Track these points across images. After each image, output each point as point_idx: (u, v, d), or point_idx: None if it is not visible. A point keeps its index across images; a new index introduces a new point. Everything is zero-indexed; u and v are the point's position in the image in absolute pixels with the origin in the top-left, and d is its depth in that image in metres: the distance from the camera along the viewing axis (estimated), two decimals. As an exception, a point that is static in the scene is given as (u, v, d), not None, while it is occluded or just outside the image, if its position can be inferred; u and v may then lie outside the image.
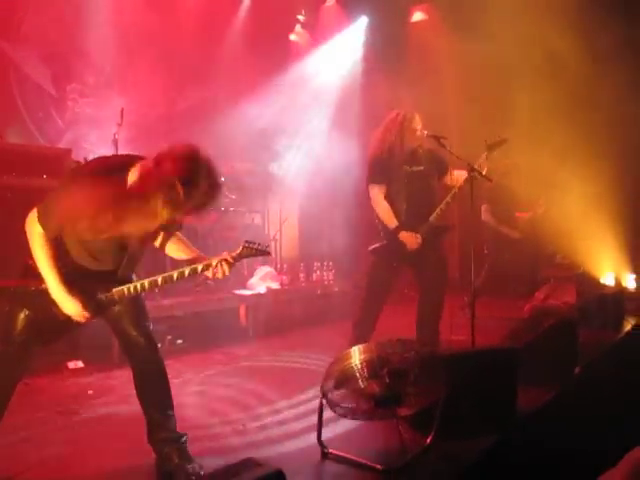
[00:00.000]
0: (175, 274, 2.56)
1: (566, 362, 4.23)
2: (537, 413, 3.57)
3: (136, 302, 2.71)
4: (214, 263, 2.58)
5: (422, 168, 4.40)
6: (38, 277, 2.49)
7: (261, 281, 6.01)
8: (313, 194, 7.46)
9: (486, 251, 6.69)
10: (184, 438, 2.75)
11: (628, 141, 6.70)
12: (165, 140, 2.76)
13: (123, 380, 4.19)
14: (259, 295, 5.87)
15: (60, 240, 2.52)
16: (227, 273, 2.58)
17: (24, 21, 6.08)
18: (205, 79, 7.01)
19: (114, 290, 2.57)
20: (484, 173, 4.21)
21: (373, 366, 2.64)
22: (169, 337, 5.12)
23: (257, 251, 2.64)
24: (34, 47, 6.19)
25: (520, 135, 6.96)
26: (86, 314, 2.52)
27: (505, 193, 6.48)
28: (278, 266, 6.71)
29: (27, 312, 2.52)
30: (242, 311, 5.81)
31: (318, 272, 6.70)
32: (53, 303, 2.50)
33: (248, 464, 1.80)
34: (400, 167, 4.32)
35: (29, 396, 3.74)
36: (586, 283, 6.58)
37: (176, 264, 2.73)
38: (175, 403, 2.80)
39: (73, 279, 2.50)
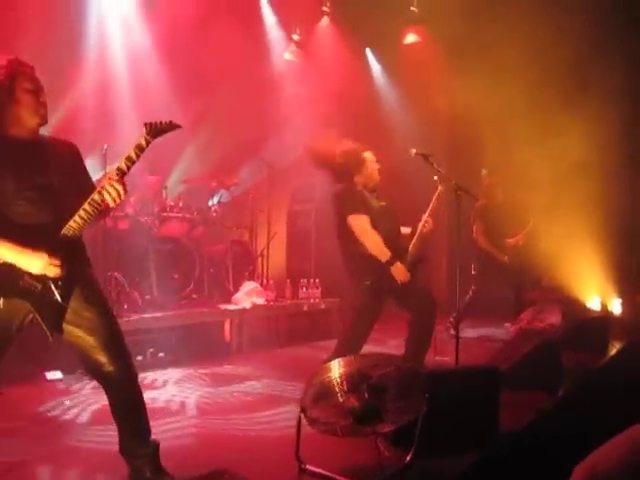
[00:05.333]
0: (83, 210, 2.44)
1: (550, 384, 4.22)
2: (519, 433, 3.55)
3: (108, 328, 2.57)
4: (132, 154, 2.47)
5: (386, 204, 4.35)
6: None
7: (246, 296, 5.97)
8: (302, 210, 7.45)
9: (474, 272, 6.69)
10: (156, 448, 2.67)
11: (610, 163, 6.80)
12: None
13: (101, 391, 4.14)
14: (244, 310, 5.83)
15: None
16: (117, 192, 2.45)
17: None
18: (198, 92, 7.00)
19: (68, 224, 2.45)
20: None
21: (352, 380, 2.60)
22: (151, 350, 5.06)
23: (164, 127, 2.51)
24: None
25: (511, 159, 7.07)
26: (54, 261, 2.39)
27: (497, 215, 6.53)
28: (264, 282, 6.67)
29: None
30: (226, 326, 5.76)
31: (304, 289, 6.66)
32: (17, 274, 2.38)
33: (216, 475, 1.76)
34: (370, 201, 4.22)
35: (4, 405, 3.67)
36: (572, 306, 6.59)
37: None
38: (150, 413, 2.74)
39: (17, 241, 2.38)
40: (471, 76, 7.00)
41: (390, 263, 4.08)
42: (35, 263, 2.39)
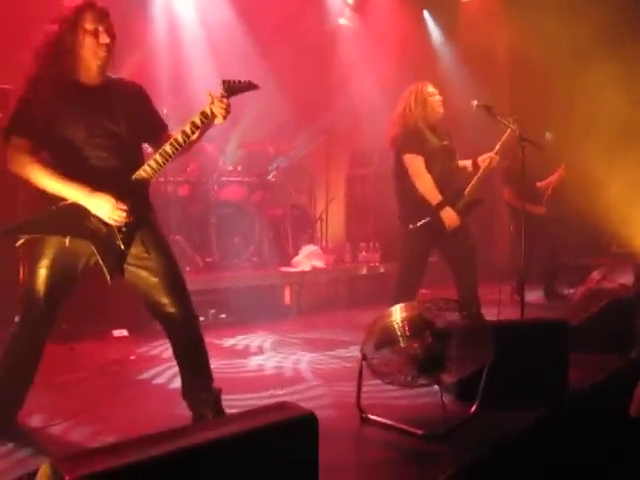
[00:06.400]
0: (179, 136, 2.50)
1: (621, 345, 4.03)
2: (588, 392, 3.41)
3: (169, 270, 2.60)
4: (207, 109, 2.52)
5: (448, 142, 4.25)
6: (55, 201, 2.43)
7: (306, 259, 5.97)
8: (360, 174, 7.36)
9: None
10: (218, 394, 2.70)
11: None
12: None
13: (165, 349, 4.23)
14: (303, 273, 5.83)
15: (54, 157, 2.52)
16: (226, 107, 2.52)
17: None
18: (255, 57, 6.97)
19: (138, 172, 2.51)
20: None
21: (415, 325, 2.54)
22: (212, 311, 5.13)
23: (242, 85, 2.59)
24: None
25: (575, 115, 6.76)
26: (122, 205, 2.43)
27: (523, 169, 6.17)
28: (323, 245, 6.64)
29: (50, 259, 2.44)
30: (286, 288, 5.78)
31: (364, 253, 6.59)
32: (85, 214, 2.43)
33: (281, 406, 1.74)
34: (431, 140, 4.13)
35: (73, 359, 3.80)
36: (645, 267, 6.25)
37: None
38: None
39: (87, 184, 2.44)
40: (531, 29, 6.70)
41: (440, 206, 4.01)
42: (103, 206, 2.43)
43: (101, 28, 2.49)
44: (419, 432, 2.61)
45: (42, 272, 2.47)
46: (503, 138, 4.20)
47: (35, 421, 2.76)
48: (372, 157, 7.26)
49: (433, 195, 4.04)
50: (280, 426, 1.70)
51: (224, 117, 2.56)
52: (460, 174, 4.31)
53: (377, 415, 2.81)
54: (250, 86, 2.64)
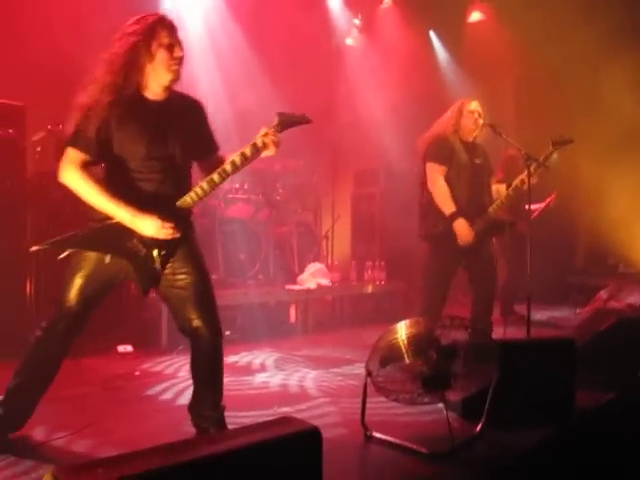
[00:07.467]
0: (228, 166, 2.54)
1: (628, 365, 3.99)
2: (597, 412, 3.38)
3: (201, 286, 2.61)
4: (258, 141, 2.56)
5: (481, 162, 4.26)
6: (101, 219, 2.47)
7: (311, 277, 5.96)
8: (366, 193, 7.37)
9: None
10: (223, 411, 2.69)
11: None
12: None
13: (170, 365, 4.24)
14: (309, 291, 5.82)
15: (107, 171, 2.56)
16: (277, 140, 2.57)
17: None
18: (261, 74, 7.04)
19: (184, 198, 2.54)
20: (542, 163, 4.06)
21: (420, 342, 2.53)
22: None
23: (296, 118, 2.63)
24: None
25: (577, 133, 6.77)
26: (167, 224, 2.45)
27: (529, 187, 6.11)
28: (329, 263, 6.64)
29: (88, 272, 2.48)
30: (291, 306, 5.77)
31: (370, 271, 6.58)
32: (127, 235, 2.46)
33: (285, 421, 1.73)
34: (460, 154, 4.15)
35: (78, 373, 3.79)
36: (653, 287, 6.20)
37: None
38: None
39: (137, 204, 2.46)
40: (537, 51, 6.76)
41: (453, 218, 4.00)
42: (149, 226, 2.44)
43: (175, 42, 2.53)
44: (424, 450, 2.59)
45: (78, 282, 2.51)
46: (542, 158, 4.09)
47: (39, 434, 2.75)
48: (378, 176, 7.29)
49: (446, 205, 4.04)
50: (284, 440, 1.69)
51: (276, 150, 2.59)
52: (490, 195, 4.28)
53: (382, 432, 2.79)
54: (303, 119, 2.67)
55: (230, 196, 6.06)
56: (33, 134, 4.68)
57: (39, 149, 4.69)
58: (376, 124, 7.84)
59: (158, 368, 4.17)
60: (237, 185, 6.22)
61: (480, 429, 2.81)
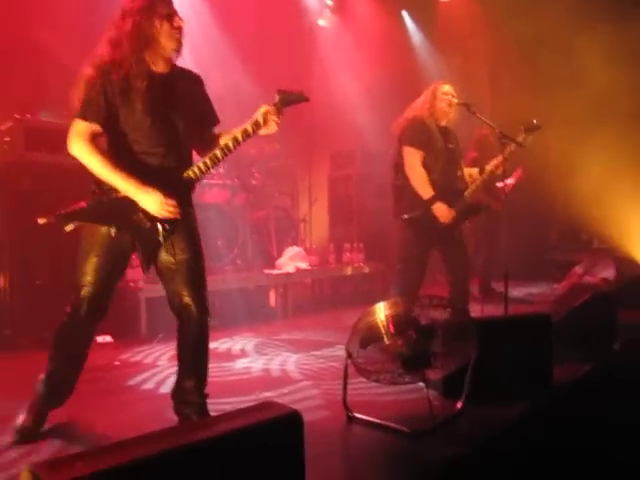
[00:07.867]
0: (230, 142, 2.56)
1: (603, 338, 4.06)
2: (573, 385, 3.44)
3: (194, 265, 2.64)
4: (259, 118, 2.59)
5: (454, 147, 4.28)
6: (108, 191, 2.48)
7: (290, 261, 5.96)
8: (343, 175, 7.36)
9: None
10: (205, 399, 2.69)
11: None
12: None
13: (150, 354, 4.22)
14: (288, 274, 5.82)
15: (112, 145, 2.55)
16: (278, 120, 2.61)
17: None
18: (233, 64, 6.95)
19: (187, 172, 2.57)
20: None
21: (399, 322, 2.54)
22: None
23: (294, 96, 2.66)
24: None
25: (550, 108, 6.82)
26: (170, 201, 2.47)
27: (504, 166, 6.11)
28: (308, 247, 6.64)
29: (102, 249, 2.49)
30: (270, 290, 5.77)
31: (348, 254, 6.60)
32: (133, 208, 2.47)
33: (266, 406, 1.73)
34: (435, 139, 4.16)
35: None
36: (626, 262, 6.30)
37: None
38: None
39: (140, 178, 2.48)
40: (509, 27, 6.77)
41: (432, 201, 4.03)
42: (152, 202, 2.46)
43: (172, 12, 2.55)
44: (405, 429, 2.61)
45: (92, 261, 2.52)
46: (512, 147, 4.15)
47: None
48: (354, 158, 7.28)
49: (425, 189, 4.05)
50: (265, 425, 1.69)
51: (277, 127, 2.62)
52: (464, 180, 4.31)
53: (363, 413, 2.81)
54: (302, 97, 2.69)
55: (205, 182, 6.00)
56: (0, 124, 4.58)
57: (8, 139, 4.58)
58: (351, 105, 7.81)
59: (137, 358, 4.15)
60: (212, 171, 6.17)
61: (461, 406, 2.85)
